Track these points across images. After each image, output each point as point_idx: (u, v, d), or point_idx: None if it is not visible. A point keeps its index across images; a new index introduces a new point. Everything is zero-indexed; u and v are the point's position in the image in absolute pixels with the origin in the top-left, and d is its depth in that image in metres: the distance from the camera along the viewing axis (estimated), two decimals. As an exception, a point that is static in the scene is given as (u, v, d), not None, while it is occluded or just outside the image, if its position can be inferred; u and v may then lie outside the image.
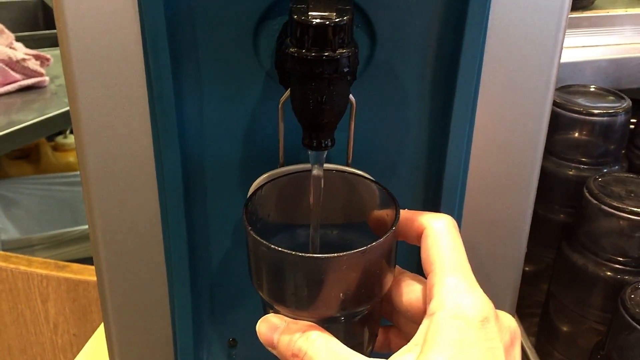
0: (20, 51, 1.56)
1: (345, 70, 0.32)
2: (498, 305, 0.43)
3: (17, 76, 1.52)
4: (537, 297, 0.66)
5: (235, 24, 0.40)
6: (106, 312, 0.49)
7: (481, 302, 0.35)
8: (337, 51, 0.32)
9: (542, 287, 0.65)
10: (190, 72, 0.41)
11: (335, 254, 0.33)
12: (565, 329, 0.57)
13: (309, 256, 0.34)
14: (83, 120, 0.42)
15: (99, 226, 0.46)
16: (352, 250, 0.43)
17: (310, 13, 0.31)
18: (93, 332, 0.78)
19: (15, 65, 1.52)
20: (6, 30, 1.59)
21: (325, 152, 0.36)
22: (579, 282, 0.54)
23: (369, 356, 0.35)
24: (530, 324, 0.66)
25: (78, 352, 0.73)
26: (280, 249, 0.34)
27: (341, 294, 0.35)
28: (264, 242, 0.34)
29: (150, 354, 0.51)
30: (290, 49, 0.32)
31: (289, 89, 0.37)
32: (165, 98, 0.39)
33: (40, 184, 1.96)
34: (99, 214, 0.45)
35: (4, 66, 1.50)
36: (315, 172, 0.37)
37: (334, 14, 0.31)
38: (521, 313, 0.63)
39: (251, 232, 0.35)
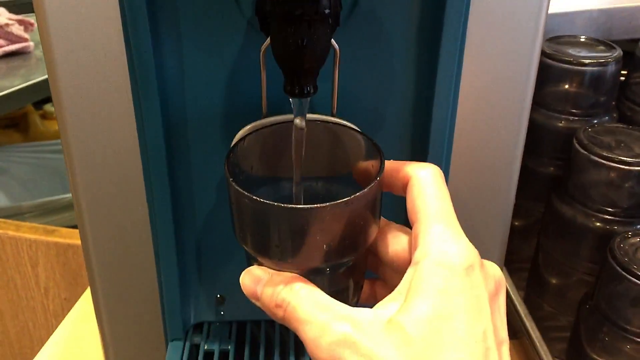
0: (4, 16, 1.53)
1: (326, 12, 0.31)
2: (486, 255, 0.43)
3: (1, 42, 1.50)
4: (527, 251, 0.66)
5: (214, -29, 0.38)
6: (92, 274, 0.48)
7: (466, 250, 0.34)
8: (317, -8, 0.30)
9: (531, 241, 0.65)
10: (168, 23, 0.39)
11: (318, 205, 0.33)
12: (554, 281, 0.57)
13: (291, 207, 0.33)
14: (61, 80, 0.41)
15: (82, 187, 0.45)
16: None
17: (288, -48, 0.30)
18: (84, 296, 0.78)
19: (-1, 31, 1.49)
20: (-12, -4, 1.55)
21: (308, 100, 0.35)
22: (568, 234, 0.54)
23: (354, 307, 0.34)
24: (520, 278, 0.66)
25: (69, 315, 0.73)
26: (262, 200, 0.33)
27: (325, 245, 0.34)
28: (246, 193, 0.34)
29: (138, 314, 0.50)
30: (269, -9, 0.31)
31: (269, 37, 0.35)
32: (143, 51, 0.38)
33: (30, 152, 1.94)
34: (80, 175, 0.45)
35: (-14, 31, 1.47)
36: (297, 121, 0.36)
37: (314, -48, 0.30)
38: (511, 268, 0.63)
39: (233, 183, 0.35)
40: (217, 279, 0.49)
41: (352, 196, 0.33)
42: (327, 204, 0.33)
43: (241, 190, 0.34)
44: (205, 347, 0.49)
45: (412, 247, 0.36)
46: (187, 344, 0.49)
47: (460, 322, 0.32)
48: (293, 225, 0.34)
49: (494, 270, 0.36)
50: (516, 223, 0.65)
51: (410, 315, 0.32)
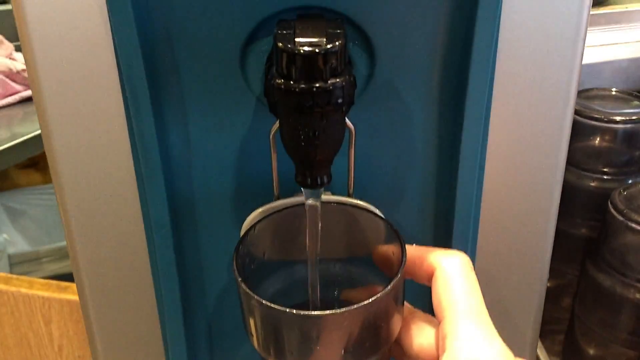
0: (20, 62, 1.54)
1: (339, 101, 0.29)
2: (519, 339, 0.39)
3: (18, 87, 1.50)
4: (558, 314, 0.62)
5: (220, 46, 0.36)
6: (95, 356, 0.46)
7: (500, 354, 0.31)
8: (329, 81, 0.28)
9: (563, 303, 0.61)
10: (172, 101, 0.37)
11: (335, 311, 0.30)
12: (592, 352, 0.53)
13: (304, 314, 0.30)
14: (59, 162, 0.39)
15: (85, 273, 0.42)
16: (352, 290, 0.40)
17: (297, 39, 0.28)
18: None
19: (15, 76, 1.49)
20: (5, 41, 1.56)
21: (322, 189, 0.33)
22: (606, 304, 0.50)
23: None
24: (553, 342, 0.62)
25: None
26: (273, 305, 0.30)
27: (342, 351, 0.31)
28: (255, 296, 0.31)
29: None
30: (277, 80, 0.28)
31: (278, 120, 0.33)
32: (146, 132, 0.36)
33: (48, 193, 1.94)
34: (85, 262, 0.42)
35: (4, 78, 1.47)
36: (310, 202, 0.34)
37: (324, 39, 0.28)
38: (542, 331, 0.59)
39: (242, 283, 0.32)
40: (230, 362, 0.46)
41: (372, 299, 0.30)
42: (345, 309, 0.30)
43: (250, 293, 0.31)
44: None
45: (439, 347, 0.33)
46: None
47: None
48: (307, 332, 0.31)
49: (532, 374, 0.33)
50: (547, 285, 0.61)
51: None
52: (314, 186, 0.31)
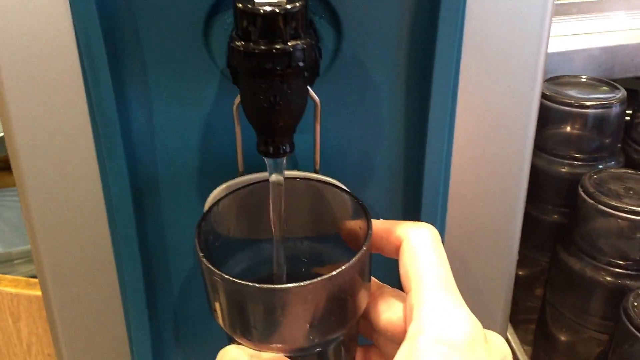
0: None
1: (301, 64, 0.28)
2: (490, 319, 0.39)
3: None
4: (531, 302, 0.62)
5: (183, 18, 0.35)
6: (59, 350, 0.44)
7: (467, 322, 0.30)
8: (290, 43, 0.27)
9: (535, 292, 0.61)
10: (133, 74, 0.36)
11: (298, 284, 0.29)
12: (563, 338, 0.53)
13: (267, 288, 0.29)
14: (17, 134, 0.38)
15: (45, 254, 0.41)
16: (321, 268, 0.39)
17: (256, 0, 0.27)
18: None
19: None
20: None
21: (285, 159, 0.32)
22: (577, 288, 0.50)
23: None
24: (525, 331, 0.62)
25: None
26: (235, 280, 0.29)
27: (308, 325, 0.31)
28: (217, 271, 0.30)
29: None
30: (236, 42, 0.28)
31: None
32: (106, 105, 0.35)
33: (22, 195, 1.91)
34: (42, 240, 0.41)
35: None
36: (274, 178, 0.33)
37: (285, 0, 0.27)
38: (514, 320, 0.59)
39: (203, 259, 0.31)
40: (196, 351, 0.45)
41: (336, 271, 0.30)
42: (308, 282, 0.29)
43: (212, 268, 0.30)
44: None
45: (407, 317, 0.32)
46: (164, 422, 0.44)
47: (461, 407, 0.28)
48: (271, 306, 0.30)
49: (500, 345, 0.32)
50: (519, 273, 0.61)
51: (405, 403, 0.28)
52: (277, 155, 0.31)
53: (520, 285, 0.59)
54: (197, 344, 0.45)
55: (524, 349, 0.57)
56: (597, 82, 0.56)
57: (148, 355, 0.42)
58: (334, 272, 0.30)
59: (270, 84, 0.28)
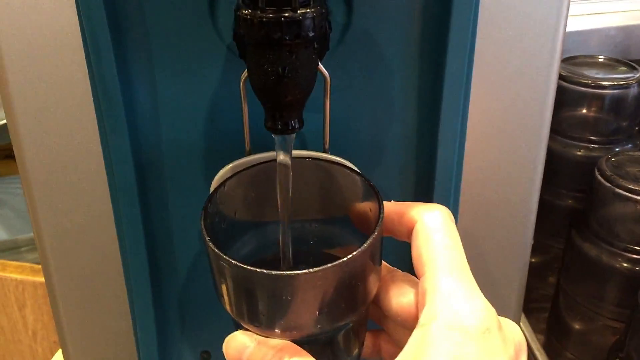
0: None
1: (310, 34, 0.27)
2: (503, 306, 0.38)
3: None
4: (545, 290, 0.60)
5: (188, -9, 0.34)
6: (62, 333, 0.43)
7: (481, 309, 0.29)
8: (299, 11, 0.26)
9: (549, 279, 0.60)
10: (137, 50, 0.35)
11: (307, 271, 0.28)
12: (577, 326, 0.52)
13: (276, 274, 0.28)
14: (18, 113, 0.37)
15: (47, 235, 0.40)
16: (330, 251, 0.38)
17: (264, -34, 0.26)
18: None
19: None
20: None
21: (293, 136, 0.31)
22: (592, 275, 0.49)
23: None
24: (538, 320, 0.60)
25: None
26: (243, 265, 0.28)
27: (317, 312, 0.29)
28: (224, 256, 0.29)
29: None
30: (243, 11, 0.26)
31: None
32: (109, 82, 0.34)
33: (29, 183, 1.90)
34: (45, 222, 0.40)
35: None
36: (281, 157, 0.32)
37: (294, -34, 0.26)
38: (527, 308, 0.58)
39: (210, 243, 0.30)
40: (202, 334, 0.44)
41: (347, 257, 0.28)
42: (319, 269, 0.28)
43: (219, 253, 0.29)
44: (190, 411, 0.44)
45: (419, 303, 0.31)
46: (169, 407, 0.43)
47: (475, 396, 0.27)
48: (280, 293, 0.29)
49: (514, 332, 0.31)
50: (532, 260, 0.60)
51: (418, 391, 0.27)
52: (285, 131, 0.29)
53: (533, 273, 0.57)
54: (204, 329, 0.44)
55: (536, 337, 0.56)
56: (614, 62, 0.55)
57: (153, 341, 0.41)
58: (344, 258, 0.28)
59: (278, 55, 0.27)
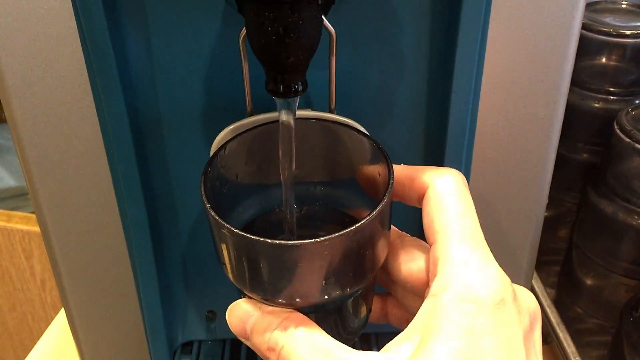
0: None
1: (314, -10, 0.24)
2: (514, 267, 0.37)
3: None
4: (555, 244, 0.59)
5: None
6: (63, 292, 0.43)
7: (496, 279, 0.28)
8: (301, -36, 0.23)
9: (559, 233, 0.58)
10: (129, 5, 0.33)
11: (314, 240, 0.26)
12: (589, 282, 0.51)
13: (280, 244, 0.27)
14: (8, 78, 0.35)
15: (44, 197, 0.39)
16: (335, 215, 0.36)
17: None
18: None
19: None
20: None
21: (297, 99, 0.29)
22: (607, 231, 0.47)
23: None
24: (548, 274, 0.59)
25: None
26: (245, 234, 0.27)
27: (324, 281, 0.28)
28: (226, 225, 0.27)
29: (118, 334, 0.45)
30: (239, -35, 0.24)
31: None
32: (99, 37, 0.31)
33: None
34: (41, 184, 0.39)
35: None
36: (284, 117, 0.30)
37: None
38: (537, 262, 0.56)
39: (210, 210, 0.28)
40: (207, 293, 0.43)
41: (356, 225, 0.27)
42: (326, 237, 0.26)
43: (221, 221, 0.28)
44: (195, 371, 0.43)
45: (430, 272, 0.30)
46: (175, 367, 0.43)
47: (489, 368, 0.26)
48: (284, 263, 0.28)
49: (529, 301, 0.30)
50: (545, 214, 0.58)
51: (428, 362, 0.26)
52: (287, 94, 0.27)
53: (544, 226, 0.56)
54: (208, 289, 0.43)
55: (546, 292, 0.55)
56: (638, 9, 0.52)
57: (157, 301, 0.41)
58: (352, 227, 0.27)
59: (279, 12, 0.24)
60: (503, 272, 0.29)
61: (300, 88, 0.28)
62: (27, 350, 0.63)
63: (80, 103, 0.36)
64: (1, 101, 0.37)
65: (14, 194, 1.64)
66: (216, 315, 0.44)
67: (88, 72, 0.34)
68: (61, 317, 0.66)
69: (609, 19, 0.50)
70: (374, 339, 0.44)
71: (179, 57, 0.34)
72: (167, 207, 0.39)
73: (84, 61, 0.33)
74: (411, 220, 0.36)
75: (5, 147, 1.84)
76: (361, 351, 0.28)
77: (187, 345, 0.45)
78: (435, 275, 0.29)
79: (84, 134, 0.37)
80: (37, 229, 0.89)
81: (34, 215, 0.92)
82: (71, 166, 0.39)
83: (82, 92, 0.36)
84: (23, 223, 0.90)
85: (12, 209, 1.55)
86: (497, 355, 0.27)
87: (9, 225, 0.89)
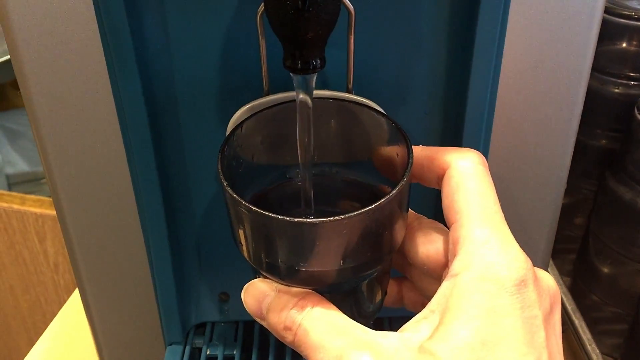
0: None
1: (335, -37, 0.24)
2: (531, 251, 0.36)
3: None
4: (572, 232, 0.58)
5: None
6: (78, 273, 0.43)
7: (518, 260, 0.28)
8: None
9: (576, 221, 0.58)
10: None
11: (332, 219, 0.26)
12: (606, 270, 0.50)
13: (298, 221, 0.26)
14: (24, 59, 0.35)
15: (60, 181, 0.39)
16: (352, 196, 0.36)
17: None
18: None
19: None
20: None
21: (315, 76, 0.28)
22: (625, 218, 0.47)
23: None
24: (563, 261, 0.59)
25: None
26: (262, 212, 0.27)
27: (341, 261, 0.28)
28: (243, 202, 0.27)
29: (132, 315, 0.45)
30: (260, -63, 0.24)
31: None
32: (115, 14, 0.31)
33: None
34: (58, 167, 0.39)
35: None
36: (302, 97, 0.29)
37: None
38: (553, 249, 0.56)
39: (227, 188, 0.28)
40: (220, 275, 0.43)
41: (374, 205, 0.27)
42: (344, 216, 0.26)
43: (238, 199, 0.27)
44: (208, 352, 0.43)
45: (449, 252, 0.30)
46: (188, 348, 0.43)
47: (509, 350, 0.26)
48: (302, 241, 0.27)
49: (549, 284, 0.29)
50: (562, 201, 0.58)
51: (447, 342, 0.26)
52: (305, 70, 0.27)
53: (561, 213, 0.55)
54: (222, 271, 0.43)
55: (562, 280, 0.54)
56: (661, -8, 0.51)
57: (171, 283, 0.41)
58: (371, 206, 0.27)
59: (299, -14, 0.24)
60: (524, 253, 0.28)
61: (319, 64, 0.27)
62: (40, 332, 0.64)
63: (97, 84, 0.36)
64: (19, 85, 0.37)
65: (27, 178, 1.65)
66: (229, 297, 0.44)
67: (104, 52, 0.33)
68: (73, 300, 0.67)
69: (631, 2, 0.49)
70: (387, 322, 0.44)
71: (196, 36, 0.34)
72: (182, 188, 0.39)
73: (100, 41, 0.33)
74: (426, 207, 0.36)
75: (19, 132, 1.85)
76: (379, 331, 0.28)
77: (201, 327, 0.45)
78: (455, 256, 0.29)
79: (100, 115, 0.37)
80: (50, 212, 0.89)
81: (47, 199, 0.92)
82: (87, 148, 0.39)
83: (98, 72, 0.35)
84: (37, 206, 0.90)
85: (25, 194, 1.56)
86: (518, 337, 0.26)
87: (23, 208, 0.90)
